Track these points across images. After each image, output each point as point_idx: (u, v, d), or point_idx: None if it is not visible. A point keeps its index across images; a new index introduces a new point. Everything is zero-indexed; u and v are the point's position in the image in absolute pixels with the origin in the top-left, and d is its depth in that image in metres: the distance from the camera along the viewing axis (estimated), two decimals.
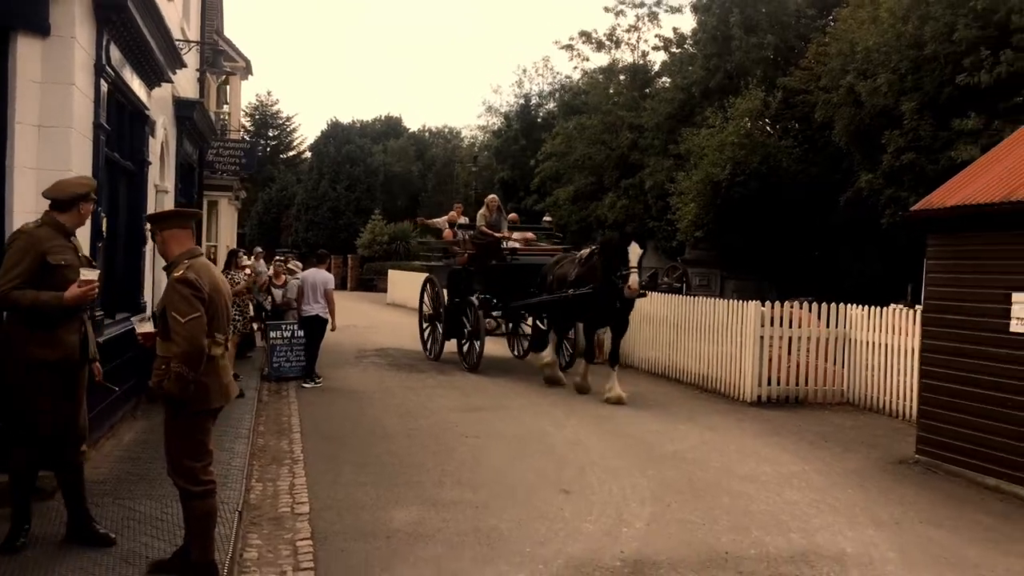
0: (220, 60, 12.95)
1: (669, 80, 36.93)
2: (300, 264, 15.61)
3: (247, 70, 19.33)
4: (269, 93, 64.96)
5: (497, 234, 14.95)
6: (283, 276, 15.43)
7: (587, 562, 5.69)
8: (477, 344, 14.37)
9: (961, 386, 8.00)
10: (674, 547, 6.02)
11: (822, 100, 24.30)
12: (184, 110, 11.16)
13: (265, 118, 61.28)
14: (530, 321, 16.09)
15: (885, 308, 11.50)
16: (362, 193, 52.73)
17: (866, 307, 11.83)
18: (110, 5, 6.36)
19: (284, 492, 7.21)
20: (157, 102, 9.41)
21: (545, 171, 38.47)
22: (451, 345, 15.69)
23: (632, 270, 11.46)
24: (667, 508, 6.94)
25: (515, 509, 6.82)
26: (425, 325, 16.98)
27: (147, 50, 7.62)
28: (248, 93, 69.55)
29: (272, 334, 13.44)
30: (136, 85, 7.98)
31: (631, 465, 8.32)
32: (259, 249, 19.49)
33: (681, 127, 31.18)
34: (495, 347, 16.48)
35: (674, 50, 37.18)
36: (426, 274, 18.27)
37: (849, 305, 12.18)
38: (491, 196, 15.75)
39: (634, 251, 11.55)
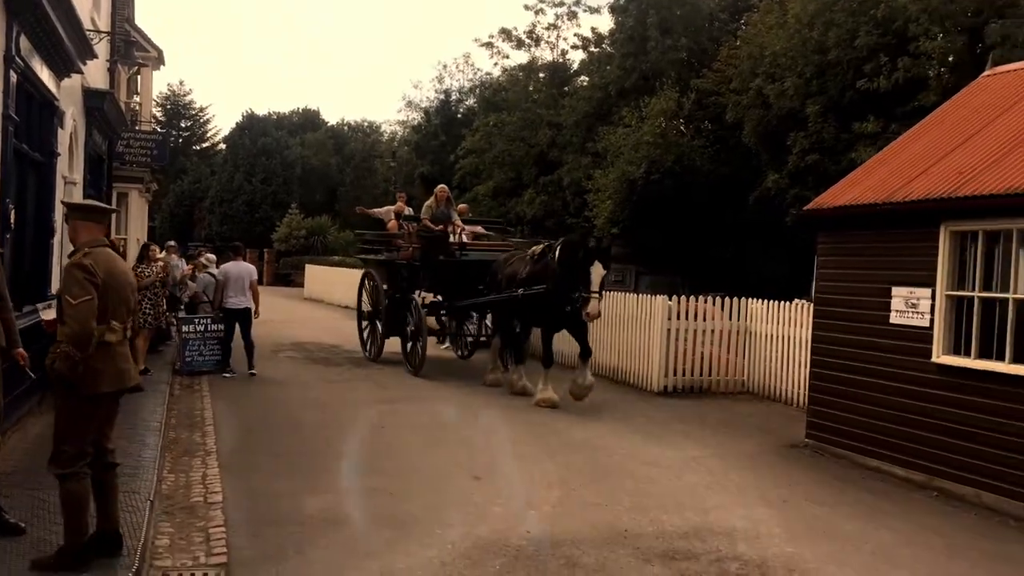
0: (132, 51, 12.76)
1: (587, 79, 37.57)
2: (214, 257, 15.45)
3: (159, 60, 18.97)
4: (182, 83, 63.11)
5: (445, 227, 13.71)
6: (200, 270, 15.31)
7: (494, 542, 5.96)
8: (420, 345, 13.46)
9: (847, 374, 8.57)
10: (577, 527, 6.34)
11: (732, 102, 25.09)
12: (94, 101, 10.99)
13: (177, 108, 59.72)
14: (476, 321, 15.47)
15: (781, 302, 12.12)
16: (278, 187, 51.96)
17: (765, 301, 12.44)
18: None
19: (197, 483, 7.27)
20: (67, 92, 9.28)
21: (465, 167, 38.69)
22: (392, 345, 14.94)
23: (593, 295, 10.31)
24: (573, 491, 7.27)
25: (428, 495, 7.05)
26: (364, 324, 16.03)
27: (57, 41, 7.55)
28: (160, 83, 67.65)
29: (185, 328, 13.32)
30: (45, 76, 7.89)
31: (541, 452, 8.63)
32: (172, 243, 19.17)
33: (598, 125, 31.78)
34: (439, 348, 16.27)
35: (592, 49, 37.85)
36: (362, 269, 17.77)
37: (749, 299, 12.77)
38: (441, 186, 14.36)
39: (597, 272, 10.31)
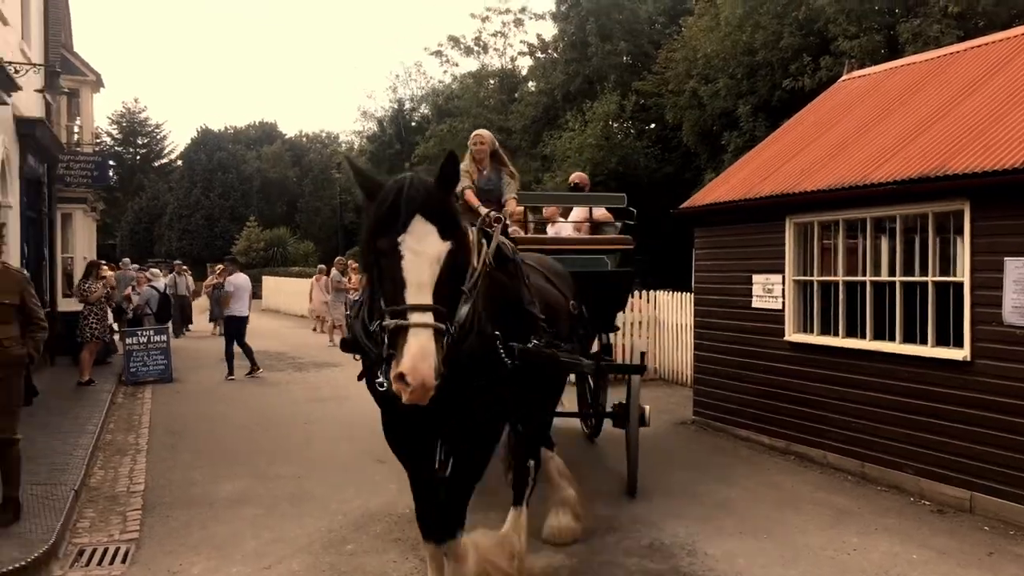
0: (57, 81, 13.38)
1: (534, 84, 38.50)
2: (159, 272, 16.16)
3: (98, 83, 19.55)
4: (136, 100, 63.48)
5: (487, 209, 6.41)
6: (144, 284, 15.98)
7: (380, 512, 6.75)
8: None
9: (721, 355, 9.46)
10: None
11: (671, 103, 26.05)
12: (26, 128, 11.61)
13: (133, 126, 59.80)
14: None
15: (683, 293, 12.98)
16: (236, 200, 52.34)
17: (671, 292, 13.32)
18: None
19: (124, 476, 8.00)
20: None
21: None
22: None
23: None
24: None
25: (333, 478, 7.82)
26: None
27: None
28: (114, 101, 67.58)
29: (129, 340, 13.98)
30: None
31: None
32: (127, 260, 20.06)
33: (546, 129, 32.66)
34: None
35: (539, 55, 38.79)
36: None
37: (659, 291, 13.67)
38: (479, 132, 7.64)
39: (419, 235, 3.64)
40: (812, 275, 8.20)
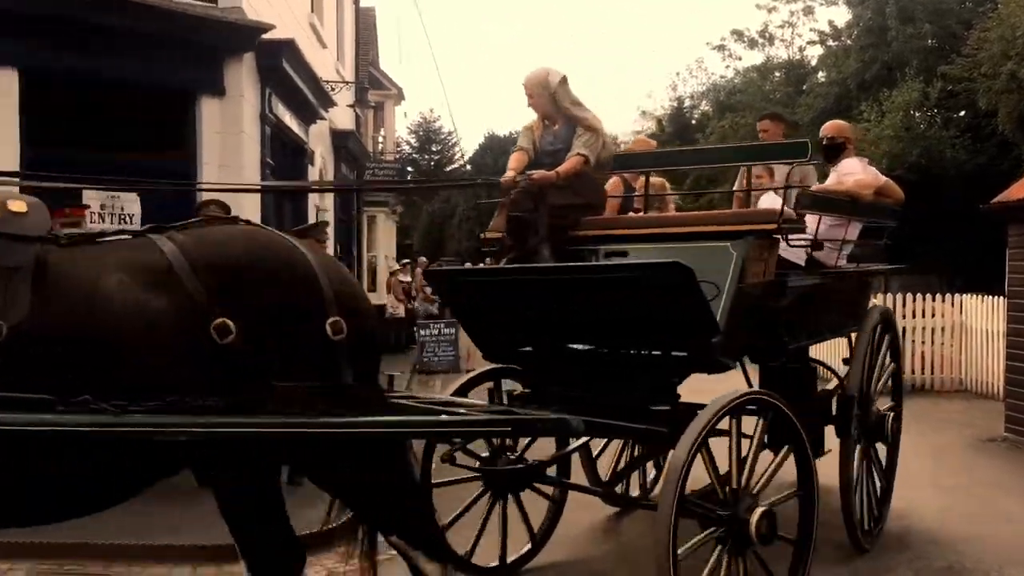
0: (366, 96, 14.82)
1: (824, 75, 36.59)
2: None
3: (399, 96, 21.38)
4: (432, 110, 68.16)
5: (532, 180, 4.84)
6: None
7: None
8: None
9: None
10: None
11: (984, 88, 23.72)
12: (339, 140, 12.99)
13: (428, 134, 64.48)
14: None
15: (996, 297, 11.67)
16: None
17: (982, 296, 12.06)
18: (271, 67, 8.10)
19: None
20: (315, 136, 11.22)
21: (699, 171, 38.83)
22: None
23: None
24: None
25: None
26: None
27: (302, 97, 9.36)
28: (412, 112, 73.17)
29: (421, 332, 15.16)
30: (295, 125, 9.76)
31: None
32: (423, 259, 21.83)
33: None
34: None
35: (830, 44, 36.80)
36: None
37: (964, 295, 12.45)
38: (529, 75, 5.37)
39: None
40: None
